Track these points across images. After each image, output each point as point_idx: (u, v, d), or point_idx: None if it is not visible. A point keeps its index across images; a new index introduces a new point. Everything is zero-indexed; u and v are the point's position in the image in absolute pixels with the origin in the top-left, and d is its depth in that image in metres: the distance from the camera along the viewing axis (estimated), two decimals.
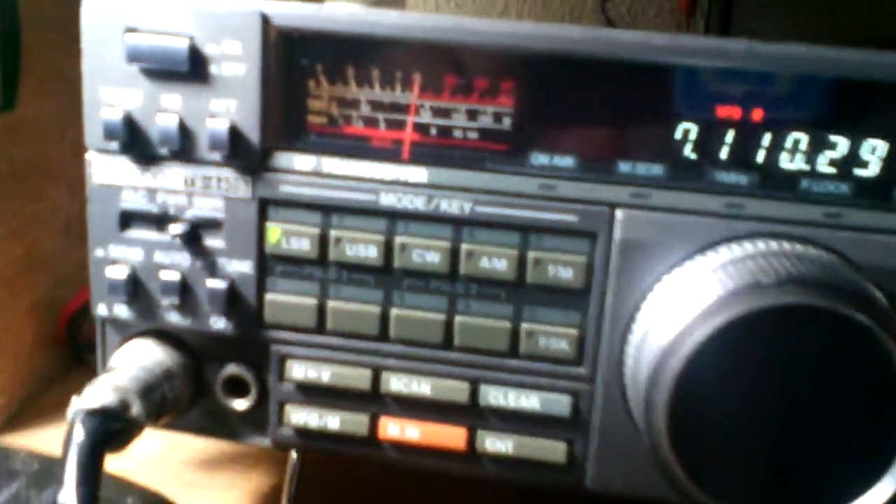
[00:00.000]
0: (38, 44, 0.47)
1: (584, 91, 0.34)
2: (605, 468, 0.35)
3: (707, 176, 0.34)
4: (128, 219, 0.36)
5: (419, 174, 0.34)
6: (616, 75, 0.33)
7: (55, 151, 0.50)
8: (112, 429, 0.33)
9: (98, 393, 0.33)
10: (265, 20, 0.33)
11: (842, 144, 0.33)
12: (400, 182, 0.34)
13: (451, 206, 0.34)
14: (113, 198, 0.36)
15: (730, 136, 0.34)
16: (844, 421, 0.29)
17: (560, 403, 0.35)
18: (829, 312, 0.28)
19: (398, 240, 0.35)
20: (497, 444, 0.36)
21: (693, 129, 0.34)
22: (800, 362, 0.29)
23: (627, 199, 0.33)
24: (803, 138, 0.33)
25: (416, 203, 0.34)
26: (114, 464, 0.42)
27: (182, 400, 0.37)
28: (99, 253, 0.37)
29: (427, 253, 0.35)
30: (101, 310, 0.37)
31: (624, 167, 0.34)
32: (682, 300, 0.31)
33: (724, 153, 0.34)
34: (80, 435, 0.32)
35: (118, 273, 0.36)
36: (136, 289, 0.37)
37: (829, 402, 0.29)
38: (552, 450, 0.35)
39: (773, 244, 0.32)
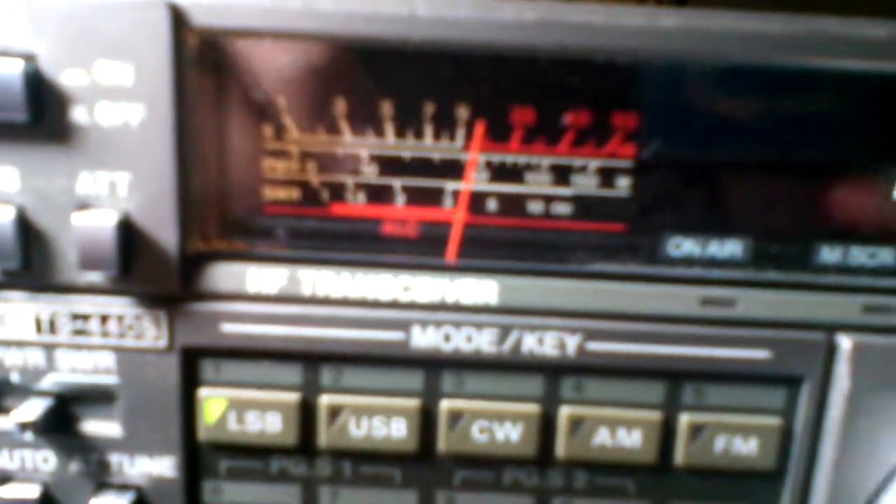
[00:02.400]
0: None
1: (758, 121, 0.19)
2: None
3: None
4: None
5: (482, 290, 0.19)
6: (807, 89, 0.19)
7: None
8: None
9: None
10: (178, 18, 0.17)
11: None
12: (448, 306, 0.19)
13: (544, 343, 0.19)
14: None
15: None
16: None
17: None
18: None
19: (445, 405, 0.19)
20: None
21: None
22: None
23: (858, 317, 0.19)
24: None
25: (480, 341, 0.19)
26: None
27: None
28: None
29: (499, 426, 0.19)
30: None
31: (828, 255, 0.19)
32: None
33: None
34: None
35: None
36: None
37: None
38: None
39: None
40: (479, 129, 0.19)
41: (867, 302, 0.19)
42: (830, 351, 0.19)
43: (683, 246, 0.20)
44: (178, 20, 0.18)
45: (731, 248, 0.20)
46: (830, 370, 0.19)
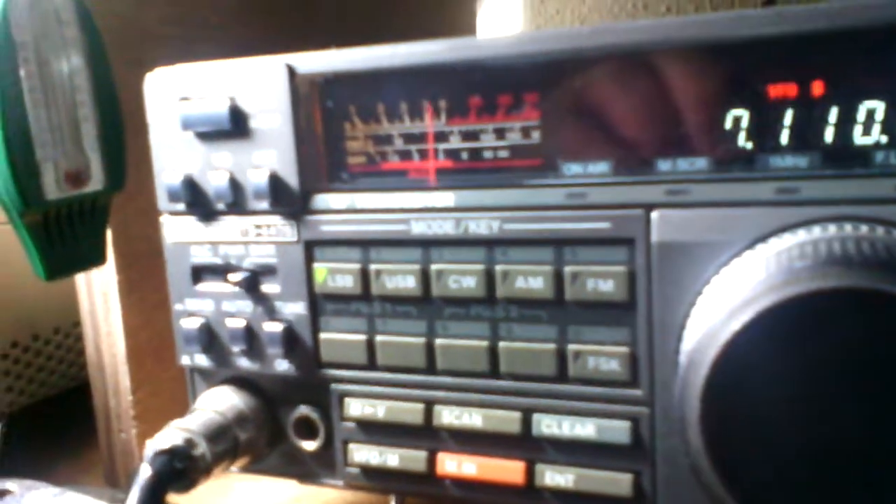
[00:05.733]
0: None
1: (607, 90, 0.32)
2: (677, 502, 0.31)
3: (759, 163, 0.30)
4: (199, 273, 0.39)
5: (446, 199, 0.34)
6: (640, 67, 0.31)
7: None
8: (177, 467, 0.34)
9: (168, 435, 0.35)
10: (291, 70, 0.35)
11: None
12: (428, 208, 0.34)
13: (480, 227, 0.33)
14: (184, 254, 0.39)
15: (788, 117, 0.30)
16: None
17: (618, 430, 0.32)
18: (879, 294, 0.23)
19: (434, 267, 0.34)
20: (557, 477, 0.33)
21: (745, 116, 0.30)
22: (859, 358, 0.24)
23: (663, 198, 0.30)
24: (878, 106, 0.29)
25: (446, 228, 0.34)
26: None
27: (259, 443, 0.39)
28: (178, 307, 0.40)
29: (462, 278, 0.34)
30: (184, 360, 0.40)
31: (663, 165, 0.31)
32: (722, 298, 0.27)
33: (784, 137, 0.30)
34: (146, 472, 0.34)
35: (193, 324, 0.39)
36: (210, 338, 0.39)
37: (891, 401, 0.24)
38: (616, 482, 0.32)
39: (832, 228, 0.27)
40: (444, 110, 0.34)
41: (669, 189, 0.30)
42: (647, 221, 0.31)
43: (573, 168, 0.33)
44: (291, 71, 0.36)
45: (600, 166, 0.33)
46: (649, 233, 0.31)
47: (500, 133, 0.33)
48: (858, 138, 0.29)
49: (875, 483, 0.25)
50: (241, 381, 0.39)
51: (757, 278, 0.26)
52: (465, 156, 0.34)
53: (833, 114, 0.29)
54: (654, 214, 0.30)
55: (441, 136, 0.34)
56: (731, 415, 0.25)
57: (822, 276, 0.24)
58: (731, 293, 0.27)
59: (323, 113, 0.36)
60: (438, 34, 0.35)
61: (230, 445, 0.37)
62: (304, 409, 0.38)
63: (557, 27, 1.04)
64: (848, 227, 0.27)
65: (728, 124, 0.30)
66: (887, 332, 0.24)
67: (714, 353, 0.25)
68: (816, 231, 0.27)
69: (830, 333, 0.25)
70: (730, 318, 0.25)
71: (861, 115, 0.29)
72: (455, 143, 0.34)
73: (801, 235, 0.28)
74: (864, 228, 0.27)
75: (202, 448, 0.35)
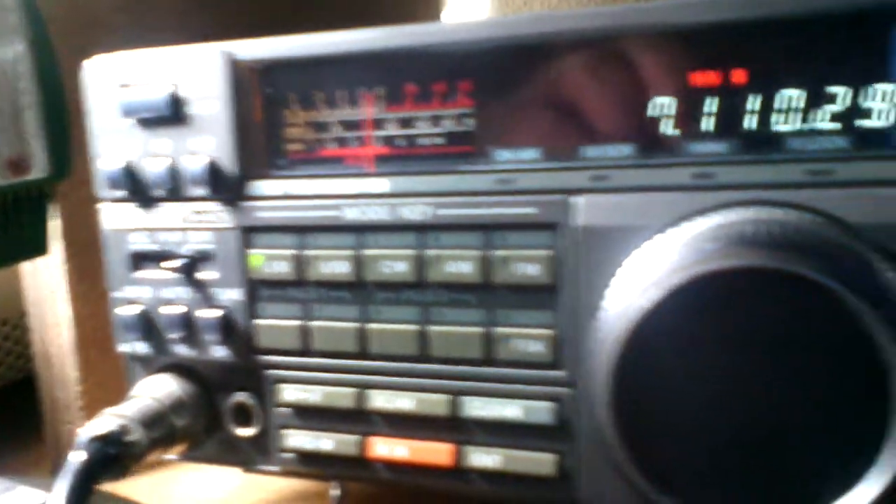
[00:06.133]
0: None
1: (538, 78, 0.33)
2: (599, 481, 0.32)
3: (680, 149, 0.31)
4: (138, 260, 0.39)
5: (382, 185, 0.34)
6: (569, 56, 0.32)
7: None
8: (109, 453, 0.34)
9: (103, 422, 0.35)
10: (230, 58, 0.36)
11: (842, 95, 0.29)
12: (364, 195, 0.35)
13: (413, 212, 0.34)
14: (123, 241, 0.39)
15: (710, 104, 0.31)
16: (818, 402, 0.25)
17: (542, 411, 0.33)
18: (782, 274, 0.24)
19: (366, 253, 0.35)
20: (483, 458, 0.34)
21: (668, 103, 0.31)
22: (766, 337, 0.25)
23: (586, 184, 0.31)
24: (796, 94, 0.30)
25: (380, 214, 0.34)
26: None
27: (196, 430, 0.39)
28: (117, 294, 0.40)
29: (395, 263, 0.34)
30: (123, 348, 0.40)
31: (591, 152, 0.32)
32: (634, 280, 0.28)
33: (705, 123, 0.31)
34: (77, 457, 0.34)
35: (131, 311, 0.39)
36: (148, 325, 0.39)
37: (799, 380, 0.25)
38: (541, 462, 0.33)
39: (744, 211, 0.28)
40: (380, 97, 0.35)
41: (592, 175, 0.31)
42: (570, 206, 0.32)
43: (505, 154, 0.34)
44: (229, 57, 0.36)
45: (530, 153, 0.33)
46: (571, 217, 0.32)
47: (435, 120, 0.34)
48: (775, 125, 0.30)
49: (781, 461, 0.26)
50: (180, 368, 0.39)
51: (669, 260, 0.27)
52: (401, 142, 0.34)
53: (753, 101, 0.30)
54: (578, 200, 0.31)
55: (378, 124, 0.34)
56: (640, 393, 0.26)
57: (729, 255, 0.25)
58: (644, 274, 0.27)
59: (262, 100, 0.36)
60: (405, 24, 0.35)
61: (166, 432, 0.37)
62: (240, 396, 0.38)
63: None
64: (760, 211, 0.28)
65: (652, 111, 0.31)
66: (792, 312, 0.25)
67: (624, 330, 0.26)
68: (729, 214, 0.28)
69: (738, 313, 0.26)
70: (640, 297, 0.26)
71: (779, 103, 0.30)
72: (392, 130, 0.34)
73: (715, 219, 0.28)
74: (774, 211, 0.28)
75: (137, 434, 0.35)
